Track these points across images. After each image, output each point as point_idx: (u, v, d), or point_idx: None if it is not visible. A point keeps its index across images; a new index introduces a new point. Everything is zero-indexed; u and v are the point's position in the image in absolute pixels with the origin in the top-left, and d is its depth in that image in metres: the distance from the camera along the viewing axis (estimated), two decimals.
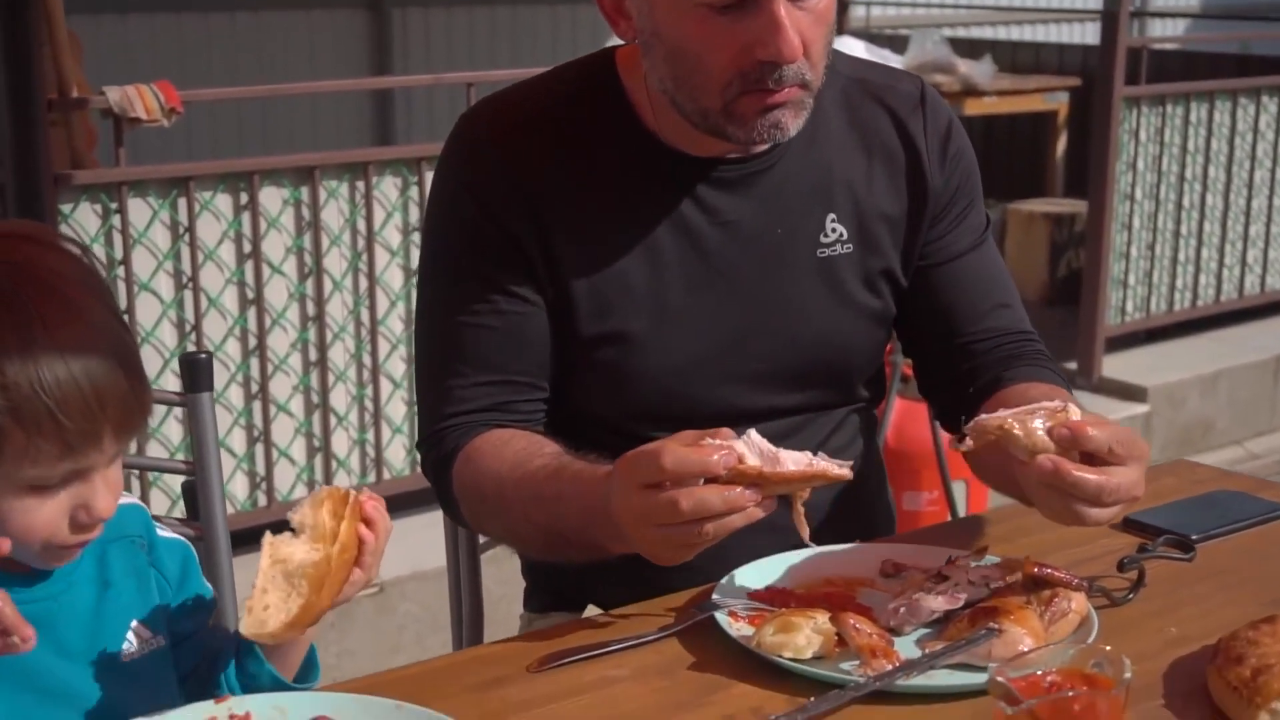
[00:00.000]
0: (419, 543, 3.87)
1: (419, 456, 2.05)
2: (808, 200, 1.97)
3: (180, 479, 1.96)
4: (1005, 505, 2.09)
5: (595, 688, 1.54)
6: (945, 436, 4.23)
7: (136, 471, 3.82)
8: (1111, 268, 6.07)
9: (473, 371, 1.94)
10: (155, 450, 4.11)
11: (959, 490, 4.44)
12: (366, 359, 4.47)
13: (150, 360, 4.01)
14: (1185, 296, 6.45)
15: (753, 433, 1.60)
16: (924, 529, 2.22)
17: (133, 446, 3.96)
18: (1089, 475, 1.59)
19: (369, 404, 4.51)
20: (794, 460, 1.58)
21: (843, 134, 2.00)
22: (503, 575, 2.83)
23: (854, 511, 2.07)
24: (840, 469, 1.60)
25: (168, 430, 4.13)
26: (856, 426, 2.11)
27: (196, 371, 1.85)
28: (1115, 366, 6.05)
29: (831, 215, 1.97)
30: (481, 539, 2.32)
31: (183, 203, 4.06)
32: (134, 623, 1.54)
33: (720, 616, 1.64)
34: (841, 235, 1.98)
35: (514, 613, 2.23)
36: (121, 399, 1.39)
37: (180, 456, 4.14)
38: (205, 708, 1.44)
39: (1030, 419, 1.61)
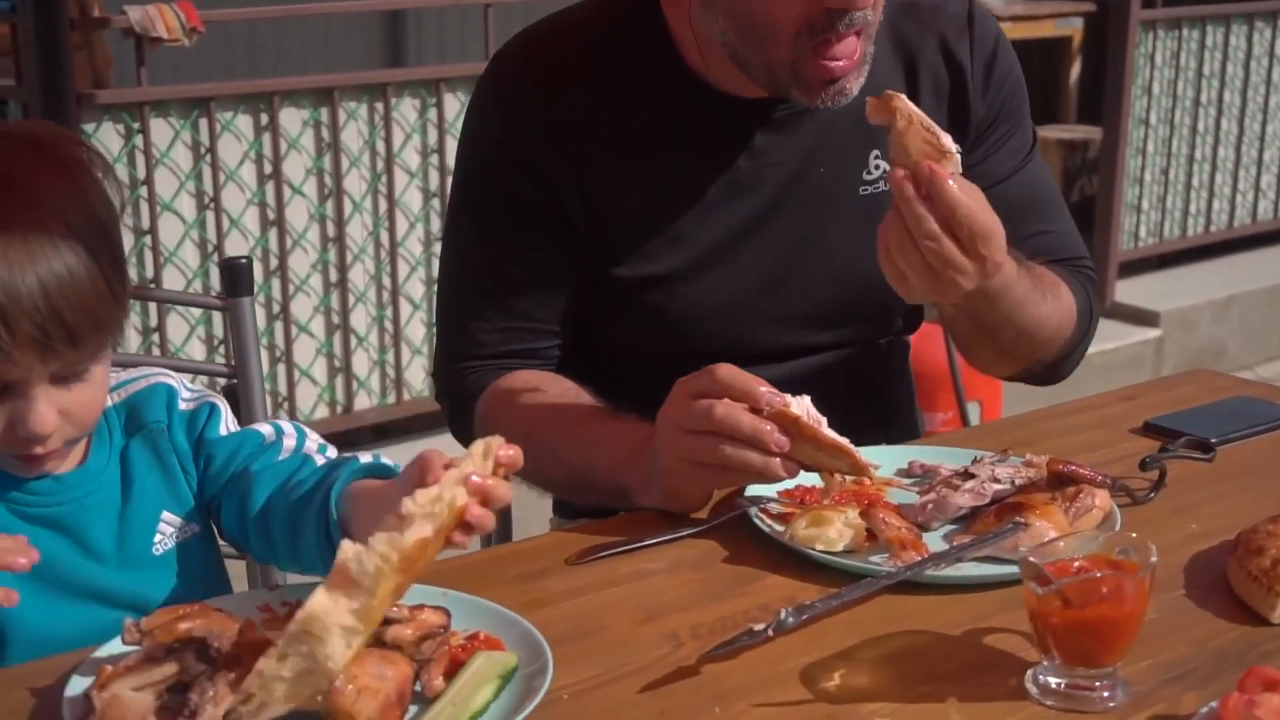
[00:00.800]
0: None
1: (435, 388, 2.07)
2: (852, 138, 1.95)
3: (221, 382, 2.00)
4: (1024, 413, 2.13)
5: (631, 580, 1.59)
6: (960, 357, 4.27)
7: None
8: (1125, 193, 6.08)
9: (497, 315, 1.95)
10: (194, 348, 4.16)
11: (973, 411, 4.47)
12: (386, 280, 4.51)
13: (173, 280, 4.05)
14: (1199, 222, 6.46)
15: (805, 398, 1.64)
16: (947, 434, 2.26)
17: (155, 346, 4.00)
18: (921, 210, 1.59)
19: (389, 325, 4.55)
20: (834, 434, 1.63)
21: (889, 65, 1.97)
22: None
23: (885, 430, 2.10)
24: (869, 466, 1.66)
25: (191, 349, 4.18)
26: (891, 355, 2.14)
27: (237, 276, 1.89)
28: (1128, 291, 6.07)
29: (875, 152, 1.96)
30: None
31: (204, 123, 4.09)
32: (164, 514, 1.55)
33: (752, 513, 1.68)
34: (884, 171, 1.96)
35: (543, 520, 2.28)
36: (35, 319, 1.33)
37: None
38: (259, 595, 1.49)
39: (930, 133, 1.61)
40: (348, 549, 1.14)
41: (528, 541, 1.74)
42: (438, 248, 4.57)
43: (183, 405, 1.59)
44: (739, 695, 1.33)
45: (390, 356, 4.56)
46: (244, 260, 1.87)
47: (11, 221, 1.33)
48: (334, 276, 4.42)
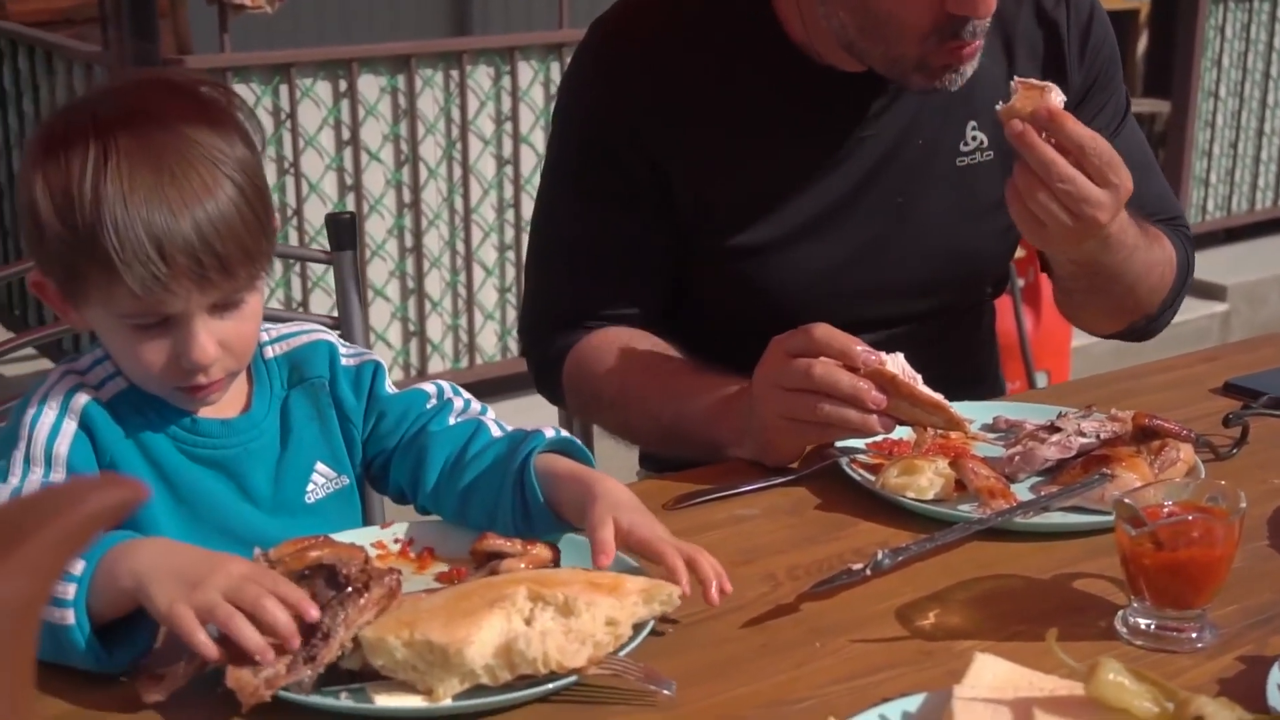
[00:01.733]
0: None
1: (519, 345, 2.11)
2: (950, 110, 1.97)
3: None
4: (1106, 373, 2.17)
5: (727, 524, 1.64)
6: (1030, 326, 4.30)
7: None
8: (1193, 166, 6.07)
9: (590, 279, 1.99)
10: (318, 300, 4.25)
11: (1041, 381, 4.50)
12: (460, 246, 4.58)
13: None
14: (1267, 196, 6.44)
15: (899, 355, 1.69)
16: (1031, 391, 2.30)
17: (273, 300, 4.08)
18: (1051, 153, 1.64)
19: (462, 290, 4.62)
20: (929, 390, 1.67)
21: (989, 37, 1.96)
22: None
23: (972, 392, 2.13)
24: (964, 421, 1.70)
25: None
26: (978, 321, 2.18)
27: (340, 230, 1.95)
28: (1196, 265, 6.05)
29: (973, 123, 1.99)
30: None
31: (284, 89, 4.16)
32: (318, 464, 1.61)
33: (843, 463, 1.73)
34: (981, 143, 1.99)
35: (628, 475, 2.34)
36: (191, 252, 1.38)
37: None
38: (373, 532, 1.55)
39: (1046, 93, 1.66)
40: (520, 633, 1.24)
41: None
42: (510, 214, 4.65)
43: (345, 361, 1.64)
44: (837, 631, 1.39)
45: (463, 321, 4.63)
46: (348, 215, 1.94)
47: (163, 160, 1.39)
48: (409, 242, 4.49)
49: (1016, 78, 1.70)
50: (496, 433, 1.60)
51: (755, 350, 1.77)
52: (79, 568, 1.26)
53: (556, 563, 1.43)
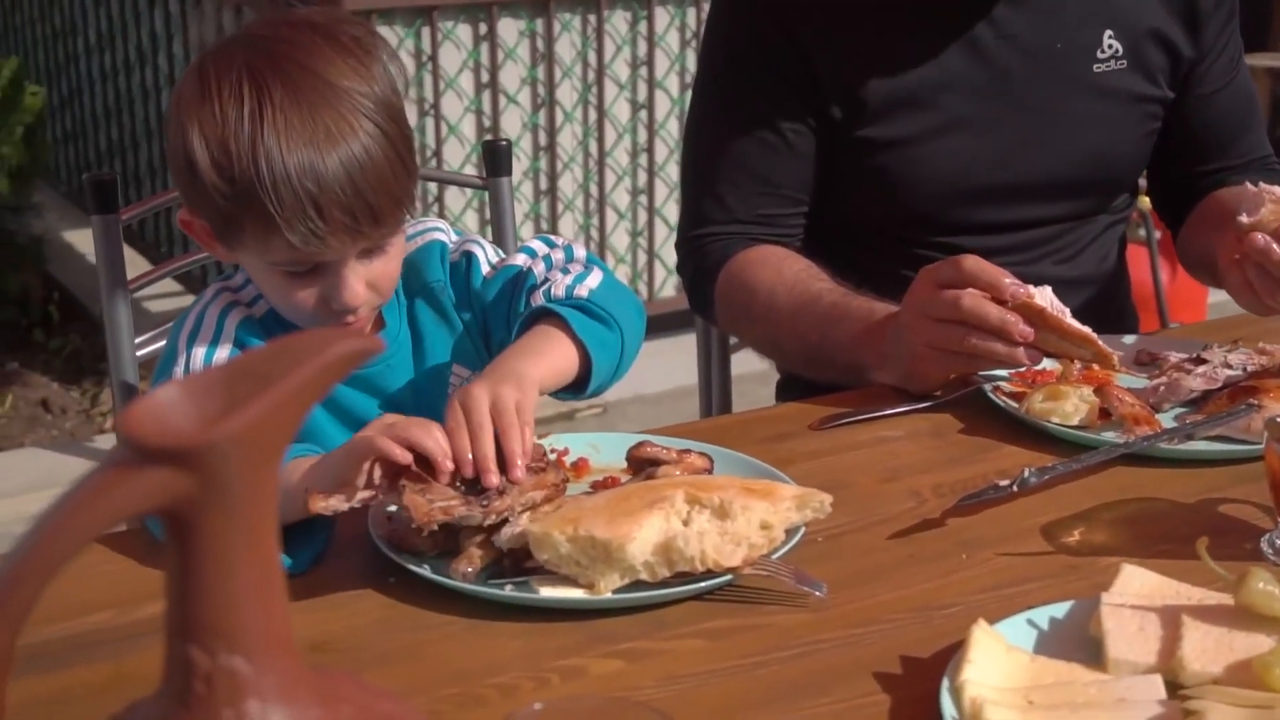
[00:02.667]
0: (637, 369, 4.04)
1: (677, 258, 2.18)
2: (1087, 16, 2.04)
3: None
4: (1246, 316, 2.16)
5: (872, 445, 1.68)
6: (1165, 276, 4.25)
7: None
8: None
9: (745, 181, 2.05)
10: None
11: None
12: (594, 189, 4.63)
13: None
14: None
15: (1047, 288, 1.71)
16: (1175, 329, 2.30)
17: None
18: None
19: (594, 233, 4.68)
20: (1078, 323, 1.69)
21: None
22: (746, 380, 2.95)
23: (1102, 313, 2.16)
24: (1111, 355, 1.71)
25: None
26: (1111, 236, 2.20)
27: (497, 157, 2.01)
28: None
29: (1109, 32, 2.05)
30: (734, 345, 2.46)
31: (426, 31, 4.23)
32: (454, 367, 1.67)
33: (987, 389, 1.76)
34: (1117, 52, 2.05)
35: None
36: (346, 206, 1.41)
37: None
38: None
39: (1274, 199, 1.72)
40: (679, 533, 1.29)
41: (770, 410, 1.84)
42: (643, 159, 4.70)
43: (453, 258, 1.68)
44: (983, 545, 1.42)
45: None
46: (504, 142, 1.99)
47: (311, 109, 1.42)
48: (544, 184, 4.55)
49: (1262, 185, 1.75)
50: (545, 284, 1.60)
51: (891, 256, 1.83)
52: None
53: (709, 471, 1.47)
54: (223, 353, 1.55)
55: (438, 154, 4.31)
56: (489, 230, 2.09)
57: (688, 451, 1.47)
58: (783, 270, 1.98)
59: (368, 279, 1.51)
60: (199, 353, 1.54)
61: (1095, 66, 2.05)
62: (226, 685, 0.70)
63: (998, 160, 2.04)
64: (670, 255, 4.83)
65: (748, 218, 2.05)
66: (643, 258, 4.78)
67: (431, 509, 1.28)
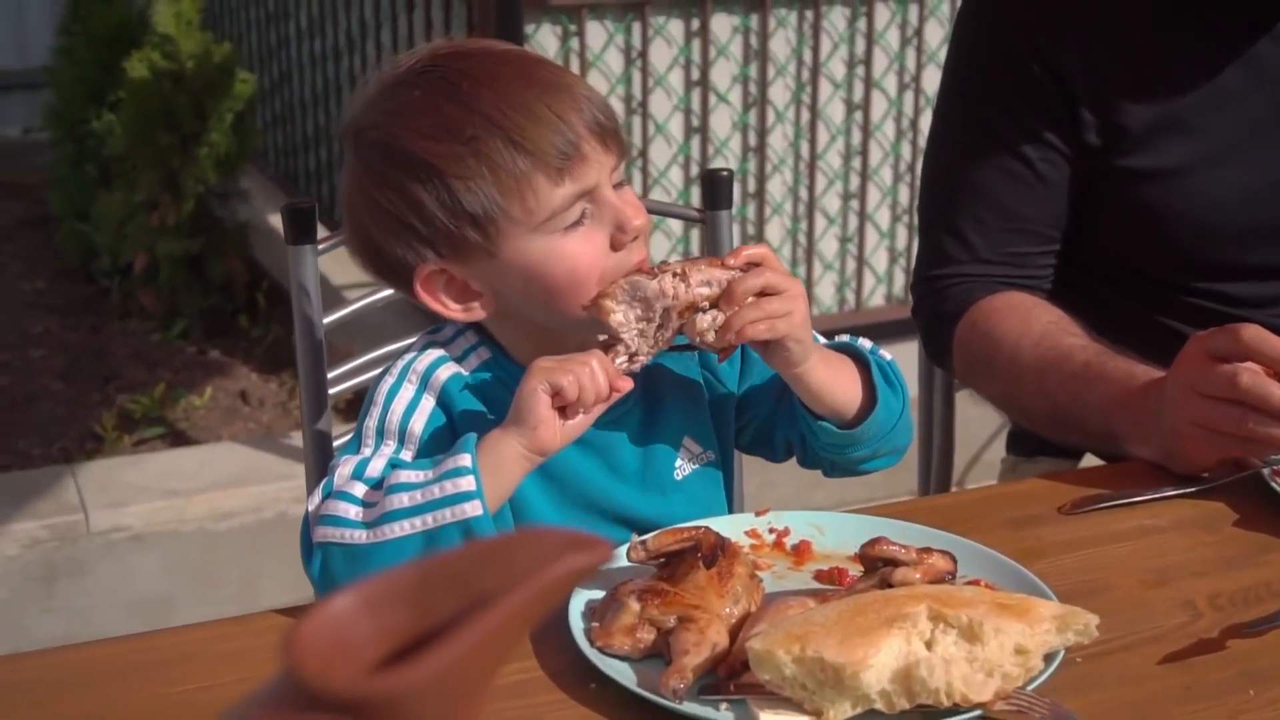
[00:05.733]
0: None
1: (912, 299, 2.01)
2: None
3: None
4: None
5: (1134, 536, 1.48)
6: None
7: None
8: None
9: (988, 216, 1.87)
10: None
11: None
12: (803, 193, 4.46)
13: None
14: None
15: None
16: None
17: None
18: None
19: (802, 239, 4.50)
20: None
21: None
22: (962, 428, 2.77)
23: None
24: None
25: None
26: None
27: (716, 188, 1.85)
28: None
29: None
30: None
31: (637, 27, 4.10)
32: (685, 438, 1.53)
33: (1266, 474, 1.55)
34: None
35: (994, 454, 2.19)
36: (578, 104, 1.37)
37: None
38: (745, 519, 1.46)
39: None
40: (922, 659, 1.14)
41: (1013, 485, 1.67)
42: (856, 162, 4.50)
43: None
44: (1274, 678, 1.22)
45: (801, 272, 4.51)
46: (725, 172, 1.83)
47: (522, 62, 1.41)
48: (751, 187, 4.39)
49: None
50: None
51: (1151, 301, 1.65)
52: (467, 460, 1.30)
53: (953, 576, 1.30)
54: (426, 405, 1.44)
55: (643, 153, 4.17)
56: None
57: (928, 551, 1.30)
58: (1030, 321, 1.79)
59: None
60: (398, 409, 1.43)
61: None
62: None
63: (1274, 194, 1.82)
64: (880, 262, 4.63)
65: (993, 257, 1.87)
66: (851, 265, 4.58)
67: None
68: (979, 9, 1.89)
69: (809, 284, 4.51)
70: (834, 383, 1.46)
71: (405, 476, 1.32)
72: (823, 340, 1.53)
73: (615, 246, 1.40)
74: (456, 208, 1.36)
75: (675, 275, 1.36)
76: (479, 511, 1.29)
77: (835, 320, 4.53)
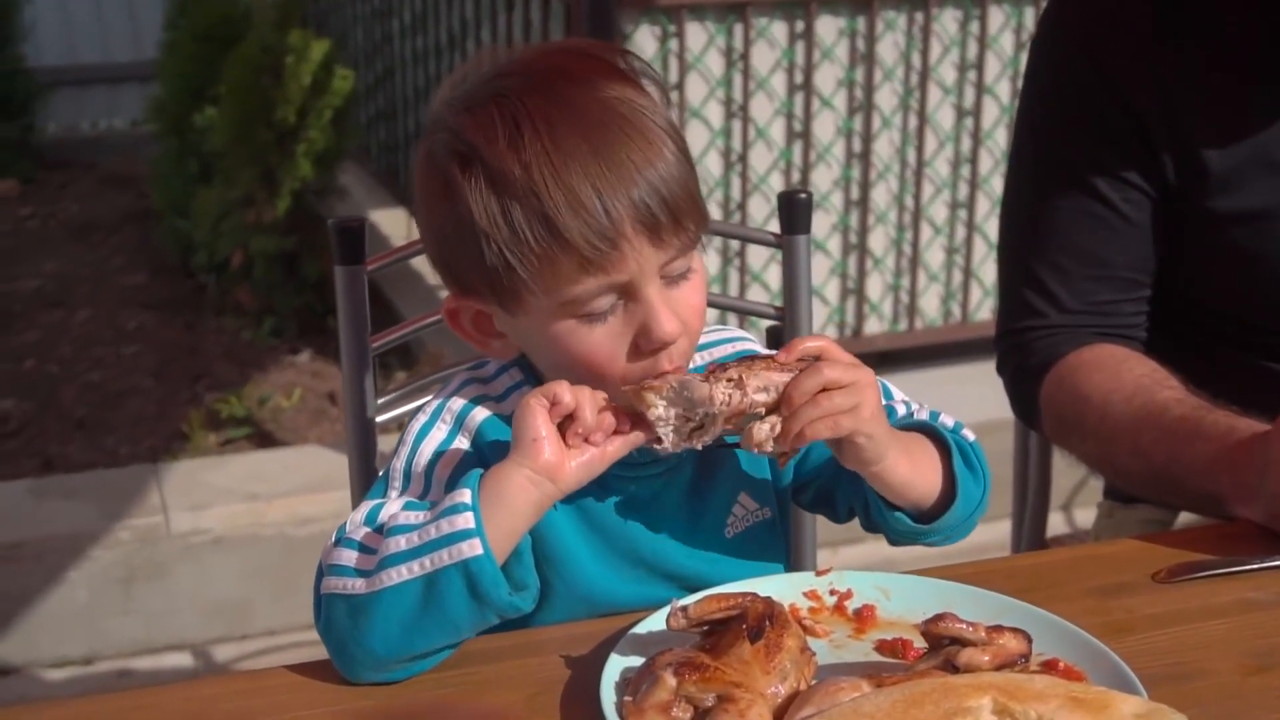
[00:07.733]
0: (951, 396, 3.72)
1: (997, 353, 1.88)
2: None
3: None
4: None
5: (1235, 611, 1.34)
6: None
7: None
8: None
9: (1071, 264, 1.75)
10: (756, 296, 4.12)
11: None
12: (909, 201, 4.31)
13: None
14: None
15: None
16: None
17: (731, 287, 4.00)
18: None
19: (907, 248, 4.35)
20: None
21: None
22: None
23: None
24: None
25: (769, 276, 4.13)
26: None
27: (794, 211, 1.73)
28: None
29: None
30: None
31: (739, 29, 3.98)
32: (741, 494, 1.43)
33: None
34: None
35: (1090, 497, 2.05)
36: (636, 199, 1.24)
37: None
38: (806, 579, 1.34)
39: None
40: None
41: (1105, 546, 1.53)
42: (965, 170, 4.34)
43: None
44: None
45: (905, 281, 4.36)
46: (803, 195, 1.71)
47: (586, 114, 1.25)
48: (855, 194, 4.25)
49: None
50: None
51: (1247, 346, 1.56)
52: (466, 496, 1.21)
53: (1026, 658, 1.17)
54: (459, 444, 1.34)
55: (743, 159, 4.05)
56: (781, 296, 1.81)
57: (999, 630, 1.18)
58: (1121, 374, 1.65)
59: (674, 309, 1.28)
60: (426, 450, 1.34)
61: None
62: None
63: None
64: (988, 274, 4.46)
65: (1078, 308, 1.74)
66: (958, 276, 4.42)
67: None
68: (1050, 34, 1.78)
69: (913, 296, 4.37)
70: (916, 478, 1.34)
71: (405, 517, 1.24)
72: (900, 411, 1.42)
73: (639, 351, 1.29)
74: (479, 260, 1.26)
75: (730, 382, 1.25)
76: (478, 551, 1.19)
77: (939, 333, 4.38)
